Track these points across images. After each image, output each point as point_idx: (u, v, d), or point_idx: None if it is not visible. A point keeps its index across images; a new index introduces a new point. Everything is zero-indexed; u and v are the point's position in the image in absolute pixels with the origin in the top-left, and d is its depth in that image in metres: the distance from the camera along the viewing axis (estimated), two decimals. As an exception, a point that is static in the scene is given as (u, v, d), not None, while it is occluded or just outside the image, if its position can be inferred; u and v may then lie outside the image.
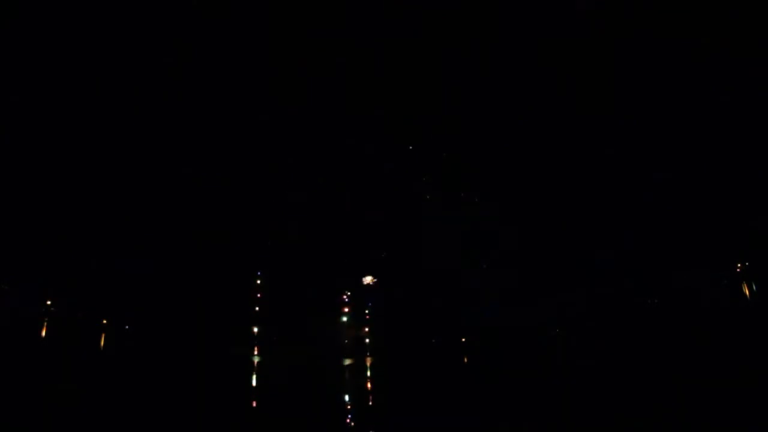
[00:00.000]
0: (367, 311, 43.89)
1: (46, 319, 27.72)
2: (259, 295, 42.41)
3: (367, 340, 45.09)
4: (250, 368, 34.90)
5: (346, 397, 23.50)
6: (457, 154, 36.09)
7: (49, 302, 30.44)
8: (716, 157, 26.41)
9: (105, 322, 32.74)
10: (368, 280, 42.97)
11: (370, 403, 21.46)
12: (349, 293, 43.80)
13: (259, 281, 41.75)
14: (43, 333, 25.88)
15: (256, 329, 41.89)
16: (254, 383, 28.36)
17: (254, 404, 19.73)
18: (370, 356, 43.11)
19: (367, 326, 44.21)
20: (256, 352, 38.66)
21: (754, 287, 26.11)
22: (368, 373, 36.60)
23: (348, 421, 16.17)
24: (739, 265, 26.81)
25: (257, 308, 42.13)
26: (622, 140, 29.77)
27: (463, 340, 47.01)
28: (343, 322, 43.18)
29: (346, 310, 43.53)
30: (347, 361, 41.76)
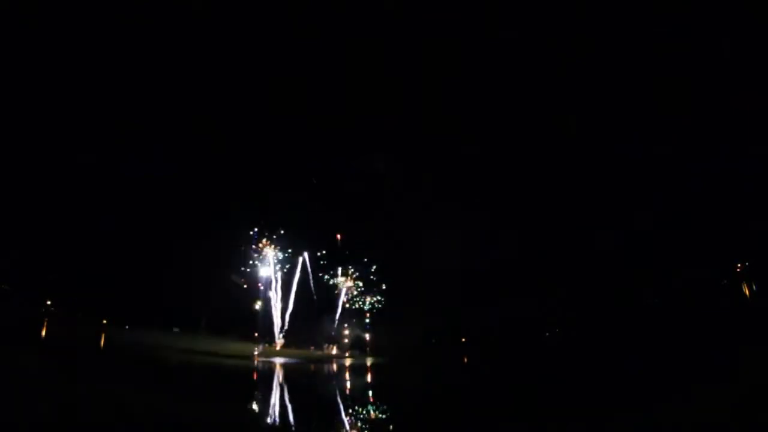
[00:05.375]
0: (368, 316, 43.11)
1: (46, 319, 27.57)
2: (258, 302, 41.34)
3: (368, 341, 44.27)
4: (250, 368, 34.19)
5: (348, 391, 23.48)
6: (460, 158, 35.37)
7: (49, 302, 30.17)
8: (716, 157, 26.14)
9: (105, 322, 32.48)
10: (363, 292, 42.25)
11: (371, 400, 21.50)
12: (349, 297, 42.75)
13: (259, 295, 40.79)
14: (43, 333, 25.75)
15: (256, 333, 40.95)
16: (255, 379, 28.20)
17: (255, 403, 19.66)
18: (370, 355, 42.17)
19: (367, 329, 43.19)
20: (257, 351, 38.04)
21: (754, 287, 25.94)
22: (369, 371, 35.83)
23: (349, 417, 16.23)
24: (739, 265, 26.62)
25: (258, 309, 40.99)
26: (622, 141, 29.40)
27: (463, 340, 46.13)
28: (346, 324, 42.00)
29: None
30: (348, 361, 41.17)
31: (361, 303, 44.13)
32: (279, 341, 40.22)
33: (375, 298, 44.22)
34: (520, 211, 39.76)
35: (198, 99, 36.16)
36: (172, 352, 31.77)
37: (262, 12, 33.91)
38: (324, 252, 43.34)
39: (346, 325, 43.88)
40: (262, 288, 40.91)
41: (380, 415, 17.43)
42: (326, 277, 43.77)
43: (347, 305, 43.64)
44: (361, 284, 44.32)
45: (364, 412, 18.22)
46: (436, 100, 38.02)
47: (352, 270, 43.95)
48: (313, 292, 42.30)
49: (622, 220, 36.23)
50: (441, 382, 28.01)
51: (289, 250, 41.72)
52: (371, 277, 44.57)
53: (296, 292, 41.42)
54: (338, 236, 43.66)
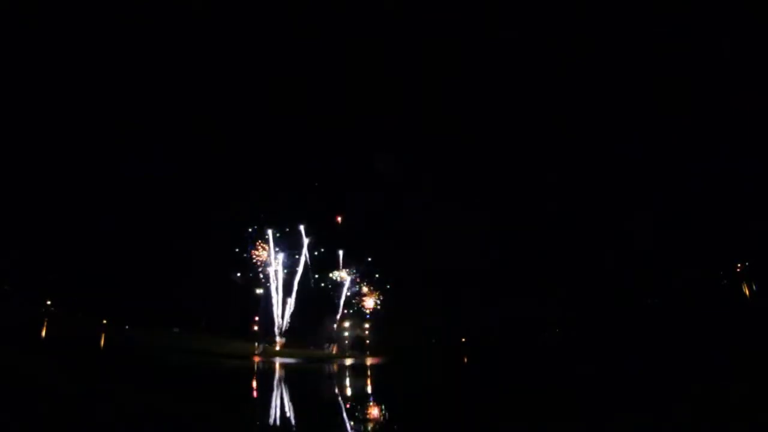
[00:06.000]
0: (368, 314, 43.12)
1: (46, 319, 27.59)
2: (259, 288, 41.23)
3: (368, 341, 44.32)
4: (250, 368, 34.19)
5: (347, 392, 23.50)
6: (459, 158, 35.42)
7: (49, 302, 30.19)
8: (716, 157, 26.13)
9: (105, 322, 32.50)
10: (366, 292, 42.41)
11: (371, 399, 21.55)
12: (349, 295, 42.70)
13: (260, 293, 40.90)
14: (43, 333, 25.77)
15: (255, 329, 40.99)
16: (254, 379, 28.19)
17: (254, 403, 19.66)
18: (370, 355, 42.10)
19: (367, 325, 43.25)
20: (257, 351, 38.06)
21: (754, 287, 25.97)
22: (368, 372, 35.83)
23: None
24: (739, 265, 26.65)
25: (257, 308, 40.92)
26: (622, 141, 29.37)
27: (463, 340, 46.09)
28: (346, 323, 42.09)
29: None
30: (348, 361, 41.19)
31: (361, 303, 44.14)
32: (279, 341, 40.21)
33: (375, 299, 44.22)
34: (520, 211, 39.80)
35: (198, 99, 36.20)
36: (172, 352, 31.75)
37: (262, 12, 33.95)
38: (323, 250, 43.33)
39: (346, 325, 43.87)
40: (262, 288, 40.92)
41: (380, 416, 17.45)
42: (325, 278, 43.80)
43: (348, 298, 43.63)
44: (361, 284, 44.34)
45: (365, 412, 18.25)
46: (436, 100, 38.06)
47: (354, 271, 43.96)
48: (314, 292, 42.28)
49: (622, 220, 36.28)
50: (441, 382, 28.00)
51: (292, 252, 41.73)
52: (373, 276, 44.59)
53: (297, 293, 41.43)
54: (338, 218, 43.39)
